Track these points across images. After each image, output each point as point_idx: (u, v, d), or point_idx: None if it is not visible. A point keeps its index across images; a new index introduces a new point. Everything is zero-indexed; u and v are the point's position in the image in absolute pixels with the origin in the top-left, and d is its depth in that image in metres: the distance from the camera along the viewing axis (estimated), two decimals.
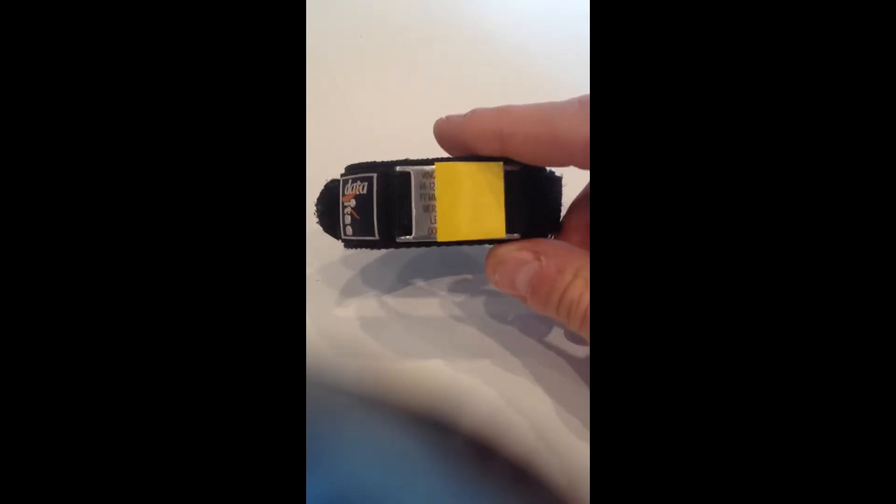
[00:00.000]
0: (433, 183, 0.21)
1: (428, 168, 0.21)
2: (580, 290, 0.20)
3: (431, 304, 0.28)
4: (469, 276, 0.29)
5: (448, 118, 0.23)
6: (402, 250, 0.29)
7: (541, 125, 0.21)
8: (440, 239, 0.21)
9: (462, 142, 0.22)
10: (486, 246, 0.23)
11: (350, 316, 0.27)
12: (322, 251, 0.29)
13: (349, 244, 0.24)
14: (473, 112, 0.22)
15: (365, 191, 0.22)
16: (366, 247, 0.24)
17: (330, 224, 0.24)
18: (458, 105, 0.23)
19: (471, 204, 0.21)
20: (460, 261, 0.29)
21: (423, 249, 0.29)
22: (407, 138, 0.24)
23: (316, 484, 0.21)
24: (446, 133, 0.23)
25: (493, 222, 0.22)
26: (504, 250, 0.22)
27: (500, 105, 0.22)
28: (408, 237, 0.21)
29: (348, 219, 0.23)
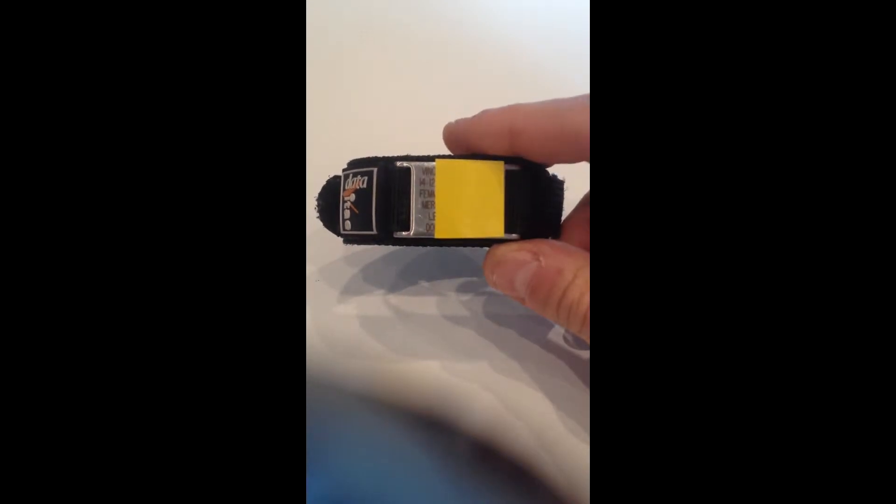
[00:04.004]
0: (433, 179, 0.21)
1: (429, 164, 0.21)
2: (580, 291, 0.20)
3: (431, 305, 0.28)
4: (469, 277, 0.29)
5: (457, 121, 0.23)
6: (403, 250, 0.29)
7: (551, 120, 0.21)
8: (438, 236, 0.21)
9: (471, 141, 0.22)
10: (486, 247, 0.23)
11: (350, 316, 0.27)
12: (323, 251, 0.29)
13: (348, 240, 0.24)
14: (482, 112, 0.22)
15: (365, 185, 0.22)
16: (363, 242, 0.23)
17: (330, 219, 0.24)
18: (462, 103, 0.23)
19: (470, 202, 0.21)
20: (460, 261, 0.29)
21: (423, 249, 0.29)
22: (410, 139, 0.24)
23: (316, 484, 0.21)
24: (455, 134, 0.23)
25: (493, 221, 0.22)
26: (503, 250, 0.22)
27: (507, 104, 0.22)
28: (405, 233, 0.21)
29: (347, 213, 0.23)
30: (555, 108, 0.21)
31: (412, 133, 0.25)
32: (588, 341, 0.21)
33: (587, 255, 0.21)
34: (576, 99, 0.21)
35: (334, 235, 0.24)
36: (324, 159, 0.24)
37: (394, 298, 0.28)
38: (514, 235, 0.22)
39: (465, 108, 0.23)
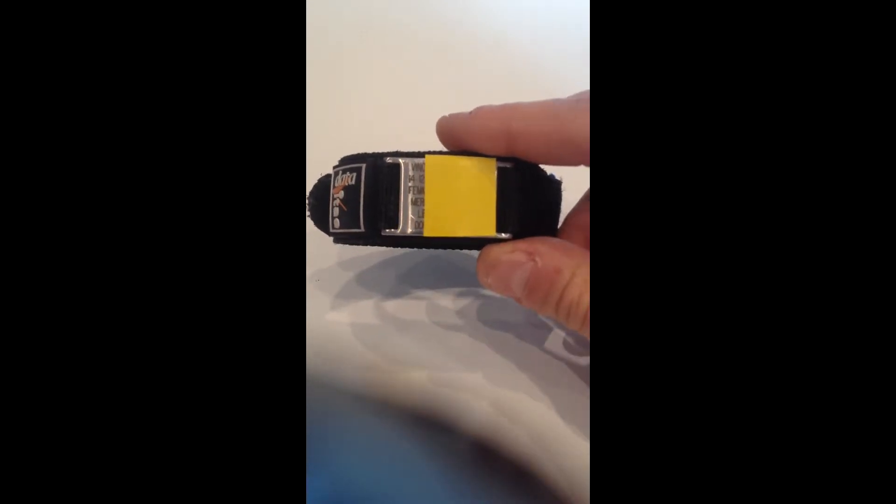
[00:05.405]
0: (423, 176, 0.21)
1: (418, 160, 0.21)
2: (579, 291, 0.20)
3: (430, 311, 0.27)
4: (465, 282, 0.28)
5: (451, 115, 0.22)
6: (398, 256, 0.29)
7: (550, 122, 0.20)
8: (427, 234, 0.21)
9: (466, 140, 0.22)
10: (476, 250, 0.22)
11: (345, 321, 0.27)
12: (319, 255, 0.28)
13: (337, 238, 0.23)
14: (479, 109, 0.22)
15: (353, 181, 0.21)
16: (352, 241, 0.23)
17: (321, 218, 0.24)
18: (463, 103, 0.23)
19: (461, 199, 0.21)
20: (456, 266, 0.29)
21: (418, 255, 0.29)
22: (411, 138, 0.23)
23: (316, 484, 0.21)
24: (450, 130, 0.22)
25: (484, 220, 0.21)
26: (496, 252, 0.21)
27: (506, 102, 0.21)
28: (394, 230, 0.21)
29: (336, 211, 0.22)
30: (554, 110, 0.20)
31: (413, 132, 0.24)
32: (588, 338, 0.21)
33: (585, 253, 0.21)
34: (576, 101, 0.20)
35: (330, 240, 0.24)
36: (324, 160, 0.24)
37: (389, 305, 0.28)
38: (505, 235, 0.21)
39: (466, 107, 0.23)
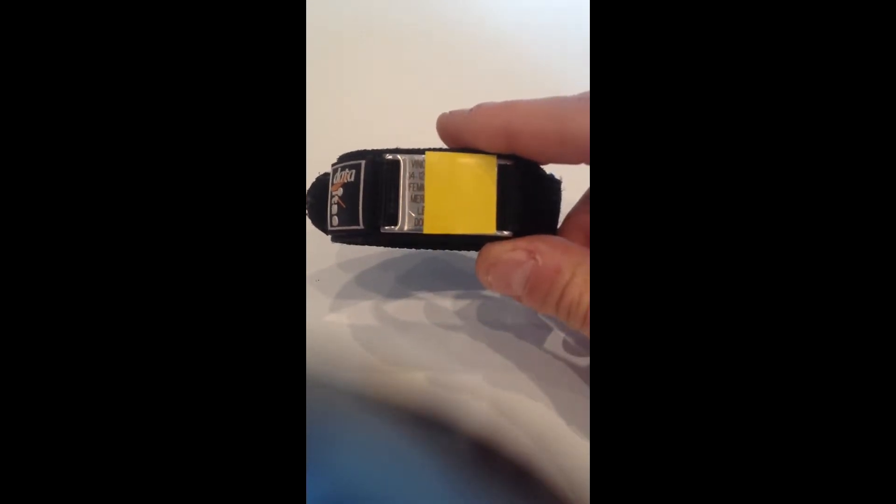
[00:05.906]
0: (423, 173, 0.21)
1: (418, 157, 0.21)
2: (580, 290, 0.20)
3: (429, 311, 0.27)
4: (464, 283, 0.28)
5: (452, 112, 0.22)
6: (401, 254, 0.29)
7: (550, 121, 0.20)
8: (426, 231, 0.21)
9: (466, 138, 0.22)
10: (475, 250, 0.22)
11: (344, 322, 0.27)
12: (317, 256, 0.28)
13: (335, 236, 0.23)
14: (479, 106, 0.21)
15: (352, 178, 0.21)
16: (351, 239, 0.23)
17: (319, 216, 0.24)
18: (460, 101, 0.23)
19: (461, 197, 0.21)
20: (457, 266, 0.29)
21: (417, 256, 0.29)
22: (412, 138, 0.23)
23: (316, 484, 0.21)
24: (450, 128, 0.22)
25: (484, 217, 0.21)
26: (497, 251, 0.21)
27: (506, 100, 0.21)
28: (393, 228, 0.21)
29: (335, 208, 0.22)
30: (554, 109, 0.20)
31: (413, 131, 0.24)
32: (588, 337, 0.21)
33: (585, 252, 0.21)
34: (577, 100, 0.20)
35: (329, 240, 0.24)
36: (324, 159, 0.24)
37: (388, 306, 0.28)
38: (506, 233, 0.21)
39: (466, 106, 0.22)
